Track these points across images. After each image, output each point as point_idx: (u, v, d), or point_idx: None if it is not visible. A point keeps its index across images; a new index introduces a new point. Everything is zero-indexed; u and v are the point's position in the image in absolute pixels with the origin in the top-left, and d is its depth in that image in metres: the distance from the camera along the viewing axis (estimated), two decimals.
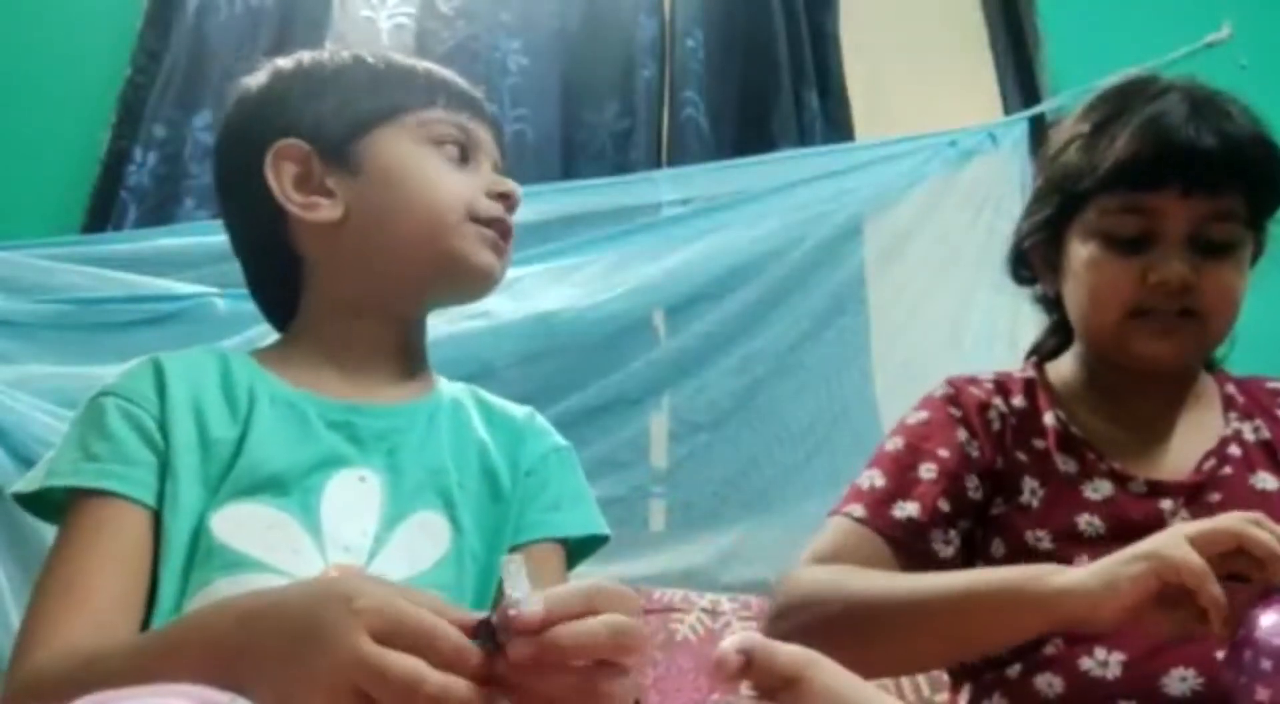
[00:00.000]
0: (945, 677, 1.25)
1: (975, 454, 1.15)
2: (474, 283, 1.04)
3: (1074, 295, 1.18)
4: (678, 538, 1.91)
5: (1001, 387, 1.22)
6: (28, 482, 0.95)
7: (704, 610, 1.62)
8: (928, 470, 1.13)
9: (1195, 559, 0.86)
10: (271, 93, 1.05)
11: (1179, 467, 1.14)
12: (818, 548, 1.10)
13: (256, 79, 1.07)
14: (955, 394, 1.19)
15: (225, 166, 1.08)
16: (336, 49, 1.10)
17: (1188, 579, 0.85)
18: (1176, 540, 0.88)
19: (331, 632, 0.64)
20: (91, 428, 0.95)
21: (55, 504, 0.94)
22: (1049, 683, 1.04)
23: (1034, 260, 1.24)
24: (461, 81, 1.09)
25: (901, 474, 1.13)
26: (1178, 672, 0.99)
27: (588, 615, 0.65)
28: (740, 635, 0.66)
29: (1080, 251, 1.15)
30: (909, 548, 1.08)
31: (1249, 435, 1.17)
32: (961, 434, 1.15)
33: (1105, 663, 1.02)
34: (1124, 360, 1.16)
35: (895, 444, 1.17)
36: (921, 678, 1.50)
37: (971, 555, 1.12)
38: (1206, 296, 1.11)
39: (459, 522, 0.99)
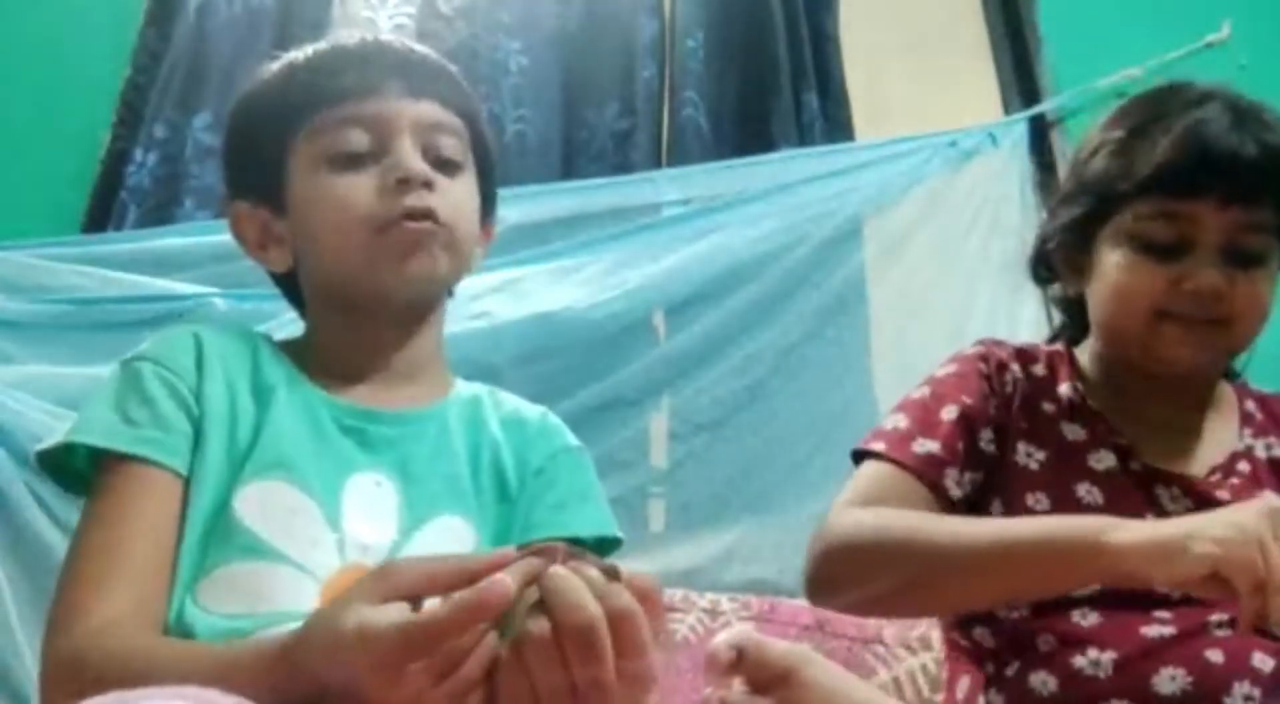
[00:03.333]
0: (945, 676, 1.25)
1: (992, 411, 1.16)
2: (410, 291, 1.02)
3: (1100, 297, 1.17)
4: (678, 538, 1.90)
5: (1024, 353, 1.23)
6: (56, 436, 0.94)
7: (704, 610, 1.61)
8: (949, 412, 1.14)
9: (1257, 570, 0.85)
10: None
11: (1185, 471, 1.14)
12: (854, 492, 1.10)
13: None
14: (986, 353, 1.21)
15: None
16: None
17: (1242, 588, 0.86)
18: (1250, 539, 0.87)
19: (341, 609, 0.67)
20: (130, 391, 0.94)
21: (76, 467, 0.94)
22: (1043, 681, 1.04)
23: (1057, 261, 1.24)
24: (344, 58, 1.03)
25: (925, 417, 1.14)
26: (1168, 671, 1.00)
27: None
28: (733, 631, 0.66)
29: (1111, 255, 1.15)
30: (925, 481, 1.09)
31: (1260, 452, 1.17)
32: (985, 388, 1.17)
33: (1097, 662, 1.03)
34: (1145, 362, 1.16)
35: (922, 392, 1.18)
36: (921, 678, 1.50)
37: (972, 512, 1.12)
38: (1237, 306, 1.11)
39: (479, 525, 1.00)
